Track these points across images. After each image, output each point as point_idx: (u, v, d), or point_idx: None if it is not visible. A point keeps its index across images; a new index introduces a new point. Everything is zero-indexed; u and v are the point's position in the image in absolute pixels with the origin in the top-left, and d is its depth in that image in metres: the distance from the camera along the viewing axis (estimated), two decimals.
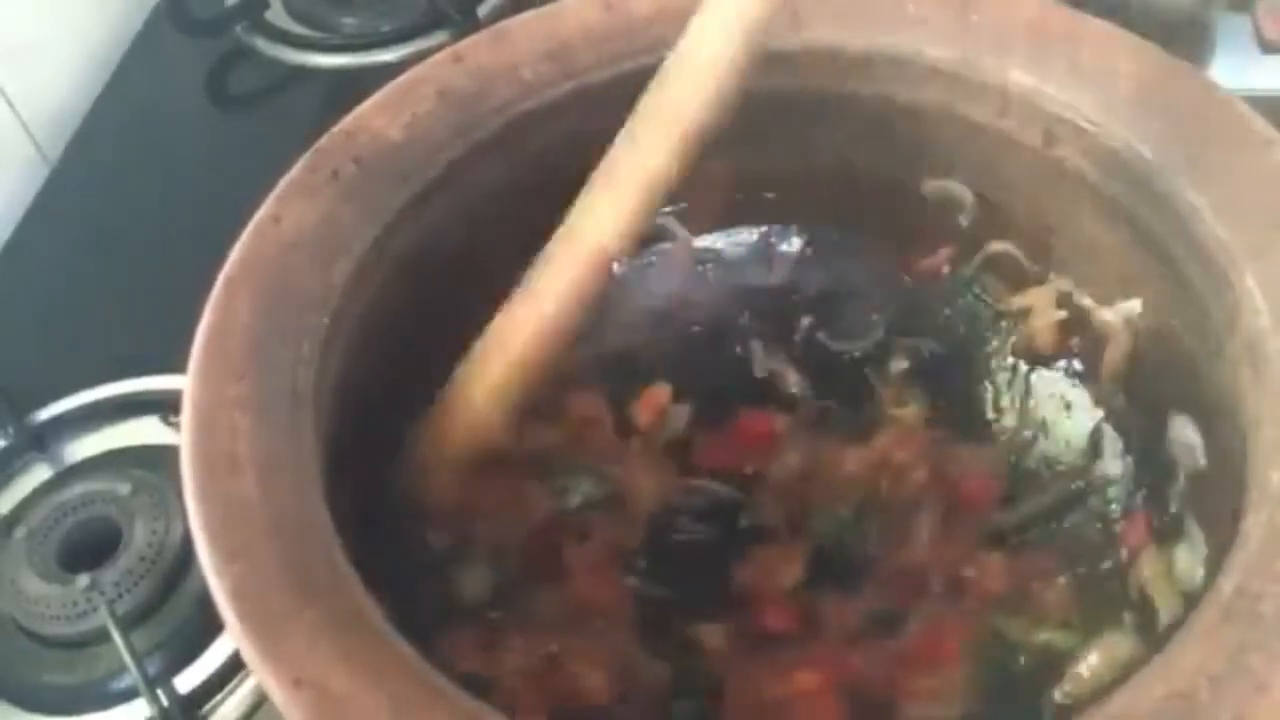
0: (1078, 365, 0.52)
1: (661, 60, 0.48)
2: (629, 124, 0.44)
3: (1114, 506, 0.50)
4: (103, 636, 0.54)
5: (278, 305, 0.41)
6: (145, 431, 0.63)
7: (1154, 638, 0.46)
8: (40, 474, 0.63)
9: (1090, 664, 0.45)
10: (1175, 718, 0.33)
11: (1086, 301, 0.51)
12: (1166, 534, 0.48)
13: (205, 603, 0.53)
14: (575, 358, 0.54)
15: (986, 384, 0.55)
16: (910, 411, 0.54)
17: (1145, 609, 0.47)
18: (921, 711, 0.46)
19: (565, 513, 0.51)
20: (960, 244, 0.53)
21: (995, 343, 0.54)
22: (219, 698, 0.54)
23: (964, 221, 0.52)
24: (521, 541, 0.50)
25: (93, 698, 0.55)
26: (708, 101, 0.43)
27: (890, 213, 0.53)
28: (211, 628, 0.55)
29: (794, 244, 0.54)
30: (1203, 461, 0.46)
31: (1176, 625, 0.45)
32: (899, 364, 0.55)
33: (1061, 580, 0.48)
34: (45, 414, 0.64)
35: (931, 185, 0.51)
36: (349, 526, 0.38)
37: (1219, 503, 0.43)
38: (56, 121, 0.82)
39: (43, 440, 0.63)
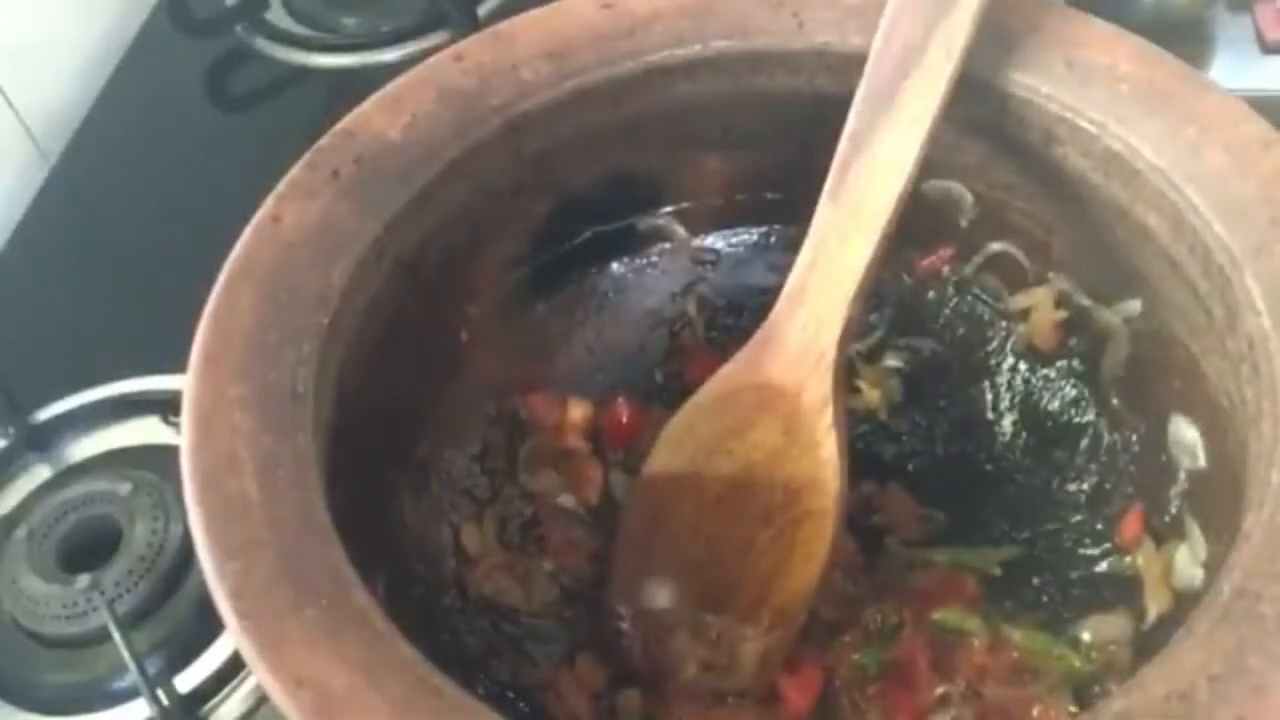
0: (1078, 365, 0.52)
1: (662, 60, 0.48)
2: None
3: (1113, 506, 0.50)
4: (103, 636, 0.54)
5: (278, 305, 0.41)
6: (145, 431, 0.63)
7: (1141, 632, 0.47)
8: (40, 474, 0.63)
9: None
10: (1175, 718, 0.33)
11: (1086, 301, 0.51)
12: (1166, 534, 0.48)
13: (205, 603, 0.53)
14: (573, 362, 0.54)
15: (986, 384, 0.55)
16: (875, 394, 0.55)
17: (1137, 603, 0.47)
18: None
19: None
20: (960, 244, 0.53)
21: (995, 343, 0.54)
22: (219, 698, 0.54)
23: (964, 221, 0.52)
24: None
25: (93, 698, 0.55)
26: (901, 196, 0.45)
27: None
28: (211, 628, 0.55)
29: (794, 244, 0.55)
30: (1203, 461, 0.46)
31: (1165, 621, 0.46)
32: (891, 361, 0.56)
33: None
34: (45, 414, 0.64)
35: (931, 185, 0.51)
36: (349, 526, 0.38)
37: (1219, 503, 0.43)
38: (56, 121, 0.82)
39: (43, 440, 0.63)
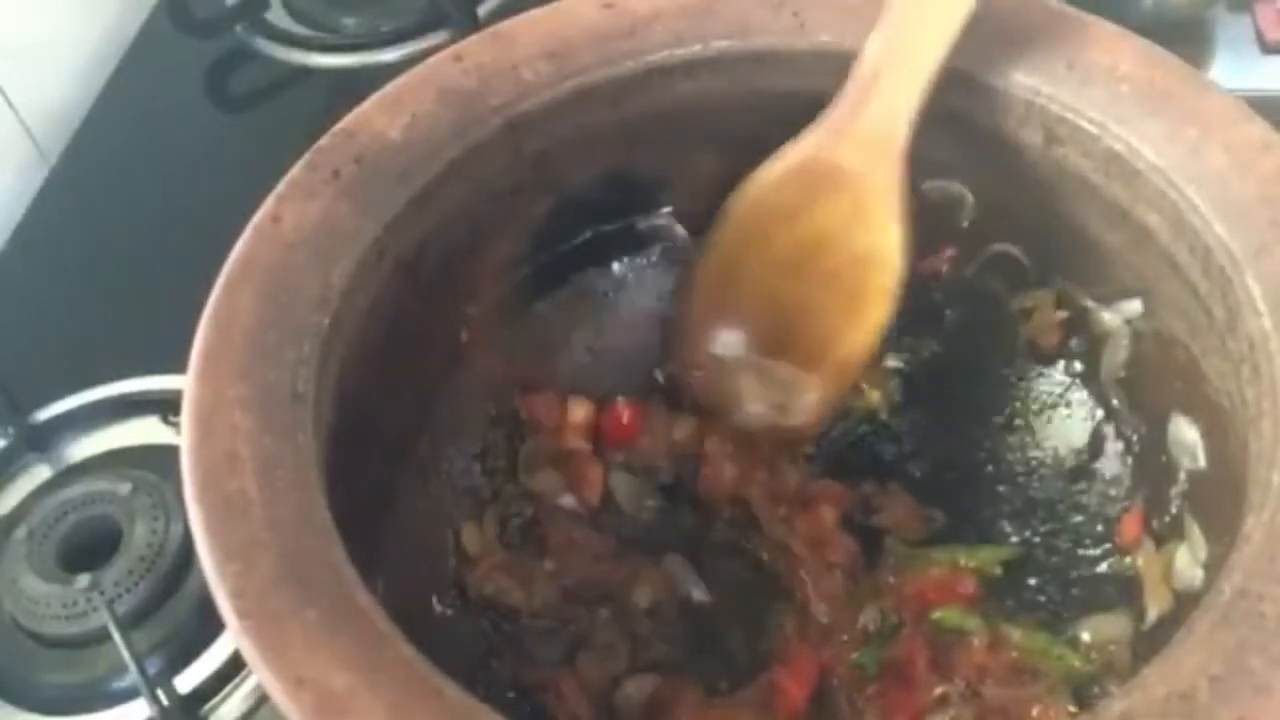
0: (1078, 365, 0.52)
1: (662, 60, 0.48)
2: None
3: (1113, 506, 0.50)
4: (103, 636, 0.54)
5: (278, 305, 0.41)
6: (145, 431, 0.63)
7: (1141, 633, 0.47)
8: (40, 474, 0.62)
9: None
10: (1176, 718, 0.33)
11: (1087, 301, 0.51)
12: (1166, 534, 0.48)
13: (205, 603, 0.53)
14: (573, 362, 0.54)
15: (987, 384, 0.55)
16: (875, 394, 0.56)
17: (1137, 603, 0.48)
18: None
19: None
20: (961, 244, 0.53)
21: (996, 343, 0.54)
22: (219, 698, 0.54)
23: (964, 222, 0.52)
24: None
25: (93, 698, 0.55)
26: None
27: None
28: (211, 628, 0.55)
29: None
30: (1203, 462, 0.46)
31: (1165, 621, 0.46)
32: (891, 361, 0.56)
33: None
34: (45, 414, 0.64)
35: (931, 185, 0.51)
36: (349, 526, 0.38)
37: (1219, 503, 0.43)
38: (56, 121, 0.82)
39: (43, 440, 0.63)
